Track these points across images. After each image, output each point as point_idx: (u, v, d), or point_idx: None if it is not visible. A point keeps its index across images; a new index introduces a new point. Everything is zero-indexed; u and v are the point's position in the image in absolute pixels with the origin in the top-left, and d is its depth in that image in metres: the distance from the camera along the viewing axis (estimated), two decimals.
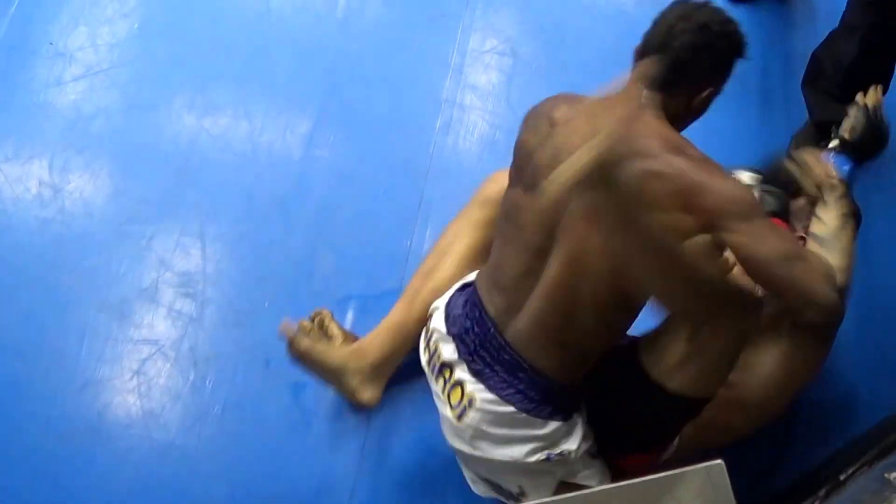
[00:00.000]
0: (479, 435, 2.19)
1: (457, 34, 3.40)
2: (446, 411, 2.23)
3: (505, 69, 3.35)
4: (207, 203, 2.98)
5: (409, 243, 2.97)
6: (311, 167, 3.08)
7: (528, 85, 3.32)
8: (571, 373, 2.17)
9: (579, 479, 2.24)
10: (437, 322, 2.29)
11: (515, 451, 2.17)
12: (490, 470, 2.30)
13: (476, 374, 2.17)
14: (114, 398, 2.64)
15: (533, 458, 2.16)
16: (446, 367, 2.23)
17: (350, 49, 3.35)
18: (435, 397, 2.30)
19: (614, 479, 2.25)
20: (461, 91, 3.29)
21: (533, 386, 2.13)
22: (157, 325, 2.75)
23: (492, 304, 2.21)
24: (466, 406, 2.18)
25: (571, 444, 2.17)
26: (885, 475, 1.40)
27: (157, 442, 2.58)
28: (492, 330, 2.17)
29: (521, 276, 2.15)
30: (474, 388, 2.17)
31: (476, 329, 2.20)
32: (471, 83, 3.31)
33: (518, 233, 2.18)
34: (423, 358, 2.34)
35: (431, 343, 2.30)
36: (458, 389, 2.20)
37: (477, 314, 2.21)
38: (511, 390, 2.14)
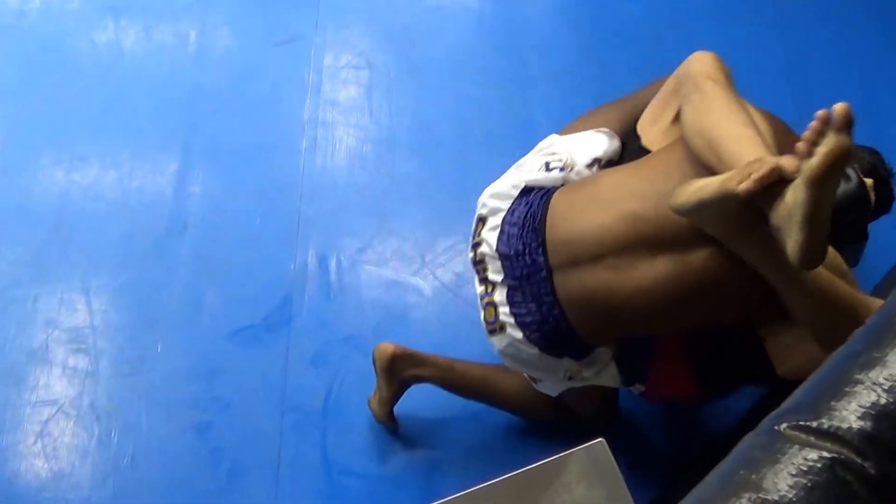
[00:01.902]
0: (505, 354, 2.33)
1: (310, 54, 3.48)
2: (481, 316, 2.34)
3: (362, 82, 3.43)
4: (86, 256, 3.04)
5: (292, 265, 3.05)
6: (184, 205, 3.15)
7: (388, 93, 3.42)
8: (604, 342, 2.28)
9: (589, 381, 2.38)
10: (489, 235, 2.30)
11: (537, 373, 2.37)
12: (513, 365, 2.42)
13: (511, 303, 2.24)
14: (21, 464, 2.69)
15: (556, 374, 2.33)
16: (489, 282, 2.30)
17: (206, 82, 3.41)
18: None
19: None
20: (322, 109, 3.37)
21: (558, 334, 2.21)
22: (54, 384, 2.81)
23: (560, 238, 2.20)
24: (497, 329, 2.29)
25: (593, 370, 2.32)
26: (775, 427, 1.44)
27: (72, 501, 2.65)
28: (542, 272, 2.20)
29: (620, 244, 2.14)
30: (506, 320, 2.25)
31: (527, 259, 2.21)
32: (331, 100, 3.39)
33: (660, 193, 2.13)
34: (469, 255, 2.39)
35: (478, 252, 2.33)
36: (493, 310, 2.29)
37: (534, 244, 2.22)
38: (538, 334, 2.22)
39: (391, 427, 2.73)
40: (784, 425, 1.39)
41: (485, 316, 2.31)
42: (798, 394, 1.47)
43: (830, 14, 3.61)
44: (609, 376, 2.37)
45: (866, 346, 1.46)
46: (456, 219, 3.13)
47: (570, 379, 2.33)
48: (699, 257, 2.08)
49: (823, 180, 1.75)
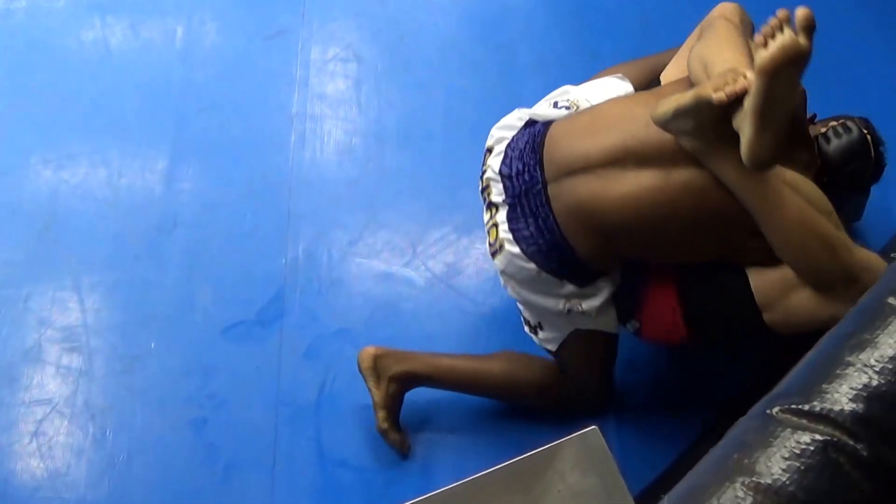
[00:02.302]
0: (507, 275, 2.39)
1: (297, 48, 3.48)
2: (486, 244, 2.43)
3: (350, 75, 3.44)
4: (77, 254, 3.04)
5: (284, 260, 3.06)
6: (174, 202, 3.15)
7: (376, 87, 3.42)
8: (598, 261, 2.32)
9: (593, 326, 2.43)
10: (494, 161, 2.42)
11: (539, 300, 2.37)
12: (517, 293, 2.46)
13: (511, 220, 2.33)
14: (16, 464, 2.69)
15: (555, 308, 2.36)
16: (493, 205, 2.39)
17: (194, 79, 3.41)
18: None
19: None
20: (310, 103, 3.37)
21: (554, 247, 2.28)
22: (48, 384, 2.81)
23: (556, 155, 2.31)
24: (498, 249, 2.37)
25: (594, 303, 2.35)
26: (767, 411, 1.45)
27: (68, 500, 2.65)
28: (538, 186, 2.29)
29: (609, 156, 2.24)
30: (505, 236, 2.33)
31: (525, 176, 2.31)
32: (318, 94, 3.39)
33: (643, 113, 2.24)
34: (479, 184, 2.49)
35: (484, 179, 2.44)
36: (494, 230, 2.37)
37: (532, 162, 2.32)
38: (534, 248, 2.29)
39: (398, 442, 2.71)
40: (776, 409, 1.40)
41: (489, 240, 2.40)
42: (790, 377, 1.48)
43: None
44: (608, 319, 2.43)
45: (857, 327, 1.47)
46: (446, 210, 3.15)
47: (569, 313, 2.36)
48: (682, 175, 2.17)
49: (774, 71, 1.85)
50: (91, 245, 3.05)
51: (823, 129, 2.43)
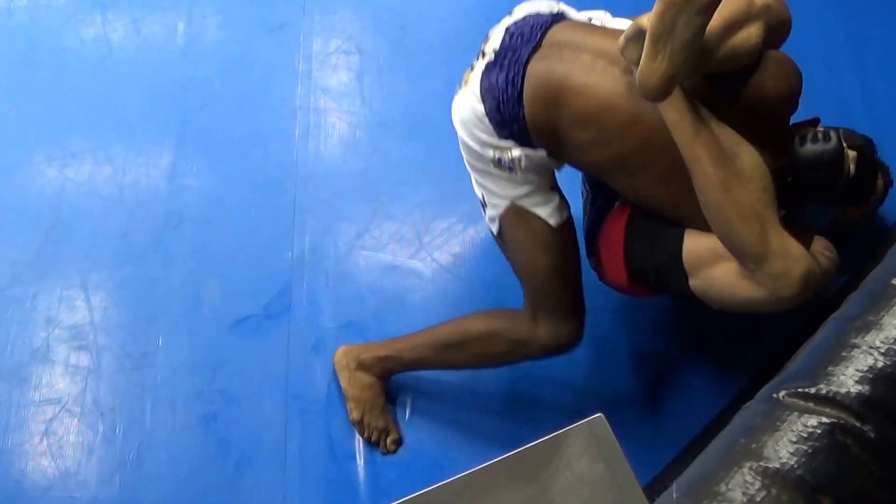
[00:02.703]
0: (456, 110, 2.45)
1: (299, 41, 3.48)
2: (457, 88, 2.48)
3: (353, 67, 3.44)
4: (84, 253, 3.05)
5: (290, 254, 3.07)
6: (179, 198, 3.16)
7: (379, 78, 3.43)
8: (541, 137, 2.34)
9: (530, 206, 2.44)
10: (509, 19, 2.46)
11: (474, 142, 2.40)
12: (466, 159, 2.52)
13: (488, 64, 2.37)
14: (28, 463, 2.71)
15: (485, 153, 2.39)
16: (483, 53, 2.42)
17: (196, 74, 3.42)
18: None
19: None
20: (314, 96, 3.37)
21: (507, 99, 2.31)
22: (57, 383, 2.83)
23: (561, 32, 2.36)
24: (463, 84, 2.43)
25: (517, 153, 2.35)
26: (774, 395, 1.46)
27: (80, 500, 2.67)
28: (529, 46, 2.34)
29: (605, 52, 2.28)
30: (473, 75, 2.39)
31: (525, 37, 2.36)
32: (322, 86, 3.40)
33: None
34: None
35: (491, 32, 2.47)
36: (469, 73, 2.43)
37: (538, 29, 2.37)
38: (490, 94, 2.33)
39: (376, 435, 2.77)
40: (783, 393, 1.41)
41: (463, 78, 2.46)
42: (796, 361, 1.49)
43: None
44: (552, 208, 2.46)
45: (862, 309, 1.48)
46: (453, 200, 3.16)
47: (498, 163, 2.38)
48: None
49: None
50: (97, 243, 3.07)
51: (804, 132, 2.43)
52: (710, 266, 2.28)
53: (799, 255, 2.12)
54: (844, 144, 2.40)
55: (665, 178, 2.27)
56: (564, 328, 2.58)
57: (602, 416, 1.79)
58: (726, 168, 2.16)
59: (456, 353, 2.71)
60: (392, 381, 2.82)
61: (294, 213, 3.14)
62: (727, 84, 2.27)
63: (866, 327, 1.45)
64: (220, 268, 3.05)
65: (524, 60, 2.31)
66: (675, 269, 2.35)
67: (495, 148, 2.36)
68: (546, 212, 2.44)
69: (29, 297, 2.95)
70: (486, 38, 2.46)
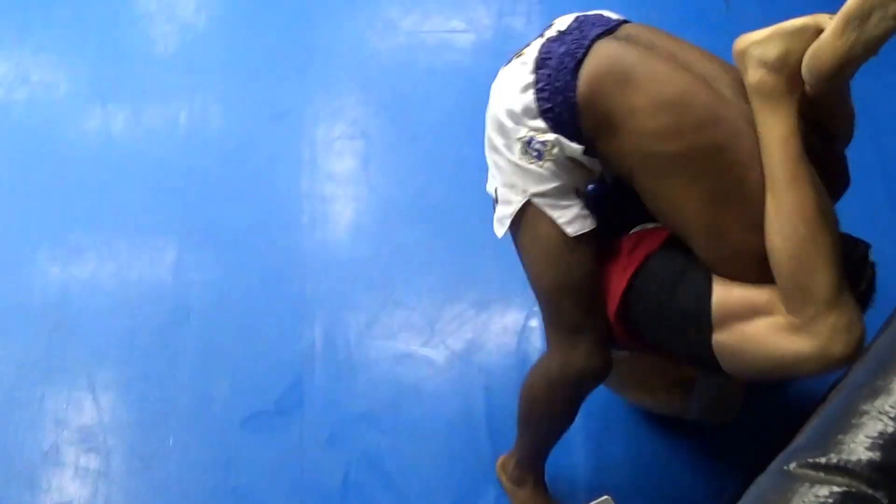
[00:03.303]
0: (499, 83, 2.36)
1: (303, 127, 3.65)
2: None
3: (358, 152, 3.60)
4: (90, 351, 3.20)
5: (300, 346, 3.20)
6: (185, 293, 3.31)
7: (384, 162, 3.59)
8: (590, 130, 2.25)
9: (547, 207, 2.31)
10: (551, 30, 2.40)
11: (507, 118, 2.29)
12: (490, 142, 2.39)
13: (548, 39, 2.29)
14: None
15: (517, 131, 2.28)
16: (542, 35, 2.36)
17: (199, 164, 3.59)
18: None
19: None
20: (319, 183, 3.53)
21: (560, 77, 2.22)
22: (67, 486, 2.96)
23: (628, 29, 2.32)
24: (514, 58, 2.35)
25: (551, 136, 2.24)
26: (784, 468, 1.50)
27: None
28: (595, 31, 2.27)
29: (673, 53, 2.25)
30: (527, 51, 2.32)
31: (591, 23, 2.30)
32: (327, 173, 3.56)
33: None
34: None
35: (555, 20, 2.41)
36: (525, 48, 2.35)
37: (604, 21, 2.33)
38: (545, 63, 2.24)
39: None
40: (793, 464, 1.49)
41: (514, 55, 2.38)
42: (805, 431, 1.57)
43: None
44: (571, 214, 2.31)
45: (870, 375, 1.55)
46: (463, 285, 3.30)
47: (529, 144, 2.27)
48: (729, 106, 2.17)
49: None
50: (104, 341, 3.21)
51: None
52: (746, 319, 2.14)
53: (860, 313, 2.08)
54: (870, 260, 2.30)
55: (722, 198, 2.16)
56: (577, 353, 2.41)
57: (609, 498, 1.87)
58: (825, 199, 2.07)
59: (535, 423, 2.68)
60: None
61: (303, 304, 3.28)
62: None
63: (875, 393, 1.49)
64: (229, 363, 3.18)
65: (591, 37, 2.26)
66: (697, 320, 2.19)
67: (529, 127, 2.26)
68: (564, 217, 2.31)
69: (36, 399, 3.09)
70: (548, 26, 2.41)
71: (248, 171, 3.57)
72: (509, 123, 2.29)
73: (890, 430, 1.44)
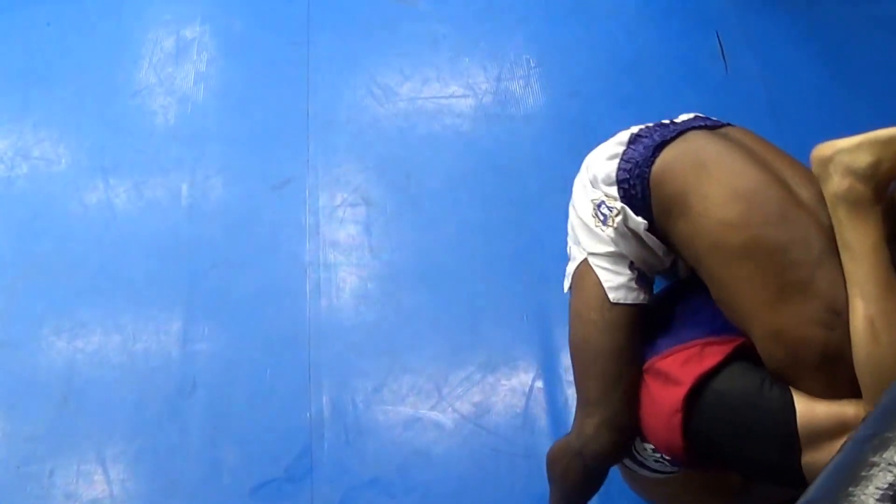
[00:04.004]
0: (591, 156, 2.47)
1: (305, 196, 3.70)
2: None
3: (360, 219, 3.65)
4: (98, 425, 3.23)
5: (308, 413, 3.24)
6: (191, 363, 3.35)
7: (386, 229, 3.64)
8: (658, 212, 2.32)
9: (598, 265, 2.36)
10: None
11: (589, 182, 2.40)
12: (574, 205, 2.47)
13: (654, 125, 2.42)
14: None
15: (593, 194, 2.38)
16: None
17: (202, 235, 3.64)
18: None
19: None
20: (322, 251, 3.58)
21: (641, 153, 2.33)
22: None
23: (733, 129, 2.42)
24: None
25: (619, 205, 2.33)
26: None
27: None
28: (671, 131, 2.37)
29: (747, 151, 2.30)
30: (617, 139, 2.42)
31: (686, 123, 2.42)
32: (330, 241, 3.61)
33: None
34: None
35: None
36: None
37: (707, 122, 2.44)
38: (636, 141, 2.36)
39: None
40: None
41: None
42: (815, 485, 1.60)
43: (808, 39, 3.83)
44: (620, 281, 2.35)
45: (878, 428, 1.57)
46: (469, 349, 3.34)
47: (598, 208, 2.35)
48: (799, 200, 2.21)
49: None
50: (111, 414, 3.25)
51: None
52: (837, 437, 2.04)
53: None
54: None
55: (786, 293, 2.14)
56: (587, 425, 2.40)
57: None
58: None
59: (555, 484, 2.65)
60: None
61: (309, 371, 3.32)
62: None
63: (884, 444, 1.49)
64: (237, 432, 3.22)
65: (688, 126, 2.38)
66: (781, 441, 2.13)
67: (604, 192, 2.36)
68: (611, 282, 2.34)
69: (46, 474, 3.12)
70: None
71: (251, 241, 3.62)
72: (590, 186, 2.39)
73: None
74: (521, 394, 3.20)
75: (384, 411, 3.23)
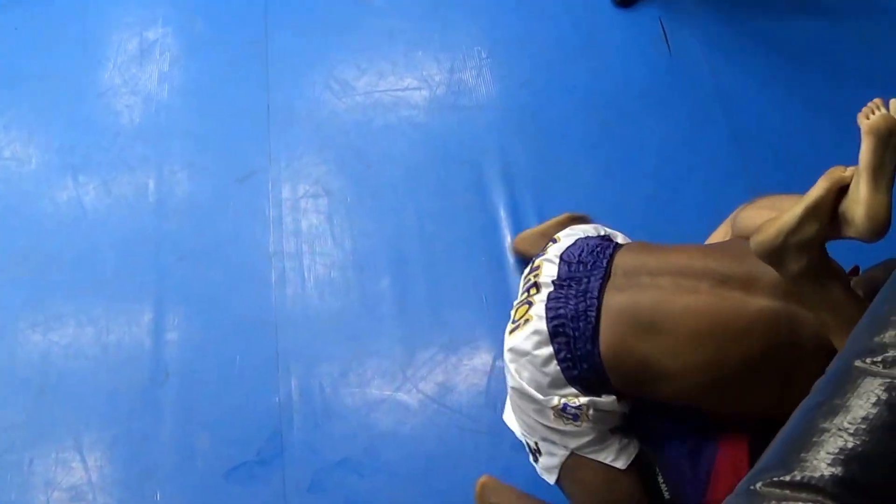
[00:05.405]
0: (513, 354, 2.39)
1: (268, 188, 3.72)
2: (509, 323, 2.44)
3: (322, 209, 3.67)
4: (74, 414, 3.25)
5: (277, 398, 3.27)
6: (163, 352, 3.38)
7: (348, 218, 3.66)
8: (619, 381, 2.29)
9: (592, 454, 2.36)
10: (558, 247, 2.47)
11: (534, 389, 2.34)
12: (518, 406, 2.45)
13: (551, 299, 2.34)
14: None
15: (548, 401, 2.33)
16: (536, 286, 2.41)
17: (170, 229, 3.65)
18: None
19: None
20: (286, 241, 3.60)
21: (581, 338, 2.27)
22: None
23: (630, 256, 2.37)
24: (521, 324, 2.38)
25: (584, 400, 2.30)
26: (751, 487, 1.53)
27: None
28: (599, 274, 2.32)
29: (687, 268, 2.28)
30: (536, 312, 2.35)
31: (587, 266, 2.36)
32: (293, 231, 3.63)
33: (733, 251, 2.32)
34: (525, 270, 2.53)
35: (538, 260, 2.47)
36: (525, 308, 2.39)
37: (601, 256, 2.37)
38: (562, 331, 2.29)
39: None
40: (759, 484, 1.54)
41: (514, 317, 2.42)
42: (769, 452, 1.63)
43: (769, 80, 3.88)
44: (614, 452, 2.37)
45: (828, 394, 1.61)
46: (431, 331, 3.37)
47: (563, 411, 2.31)
48: (763, 302, 2.20)
49: (884, 129, 2.05)
50: (87, 403, 3.27)
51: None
52: None
53: None
54: None
55: (792, 379, 2.13)
56: None
57: None
58: None
59: None
60: None
61: (277, 357, 3.34)
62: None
63: (834, 410, 1.53)
64: (209, 418, 3.24)
65: (596, 292, 2.31)
66: None
67: (560, 395, 2.32)
68: (609, 456, 2.36)
69: (26, 462, 3.14)
70: (531, 268, 2.48)
71: (217, 233, 3.64)
72: (538, 395, 2.34)
73: (850, 445, 1.49)
74: (483, 373, 3.23)
75: (351, 394, 3.26)
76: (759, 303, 2.20)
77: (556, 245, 2.50)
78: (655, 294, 2.26)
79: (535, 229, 3.28)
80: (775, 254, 2.13)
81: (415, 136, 3.87)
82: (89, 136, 3.88)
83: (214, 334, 3.41)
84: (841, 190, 2.10)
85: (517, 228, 3.43)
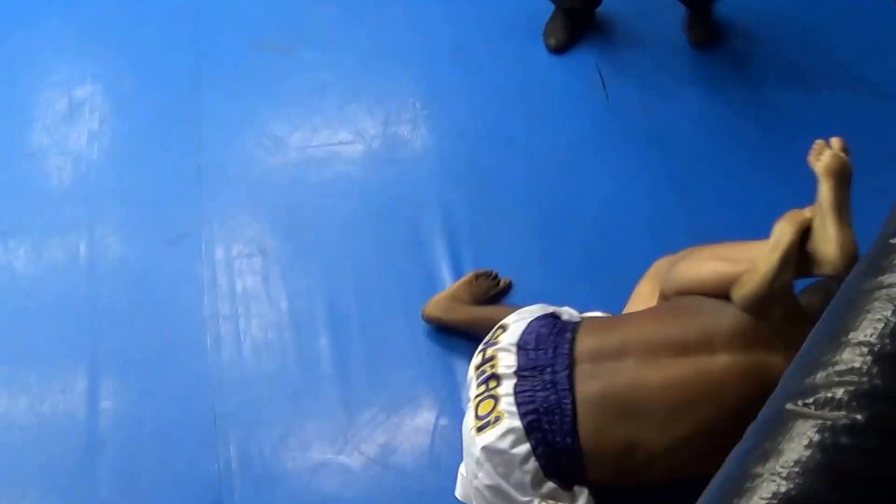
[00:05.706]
0: (487, 453, 2.36)
1: (201, 250, 3.66)
2: (469, 419, 2.40)
3: (257, 270, 3.62)
4: (10, 487, 3.17)
5: (217, 465, 3.19)
6: (98, 422, 3.29)
7: (284, 277, 3.61)
8: (598, 468, 2.30)
9: None
10: (509, 334, 2.46)
11: (513, 488, 2.32)
12: (488, 480, 2.41)
13: (519, 393, 2.32)
14: None
15: (523, 500, 2.33)
16: (495, 377, 2.39)
17: (102, 293, 3.58)
18: (466, 402, 2.46)
19: None
20: (221, 303, 3.54)
21: (560, 431, 2.27)
22: None
23: (590, 339, 2.36)
24: (491, 422, 2.35)
25: (553, 487, 2.31)
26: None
27: None
28: (565, 361, 2.32)
29: (650, 343, 2.30)
30: (506, 409, 2.33)
31: (549, 353, 2.35)
32: (228, 293, 3.57)
33: (683, 312, 2.35)
34: (475, 360, 2.50)
35: (490, 350, 2.45)
36: (491, 403, 2.36)
37: (562, 341, 2.36)
38: (538, 427, 2.29)
39: None
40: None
41: (477, 412, 2.40)
42: (703, 499, 1.62)
43: (705, 123, 3.88)
44: None
45: (760, 439, 1.59)
46: (371, 390, 3.31)
47: None
48: (726, 359, 2.25)
49: (837, 169, 2.15)
50: (22, 476, 3.18)
51: None
52: None
53: None
54: None
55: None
56: None
57: None
58: None
59: None
60: None
61: (215, 423, 3.28)
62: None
63: (766, 455, 1.52)
64: (147, 487, 3.16)
65: (566, 382, 2.30)
66: None
67: (542, 495, 2.32)
68: None
69: None
70: (483, 359, 2.47)
71: (150, 297, 3.57)
72: (518, 496, 2.33)
73: (783, 489, 1.46)
74: (427, 432, 3.18)
75: (292, 458, 3.20)
76: (723, 360, 2.25)
77: (507, 333, 2.49)
78: (628, 377, 2.28)
79: (444, 293, 3.28)
80: (762, 304, 2.20)
81: (350, 191, 3.83)
82: (18, 200, 3.81)
83: (150, 400, 3.33)
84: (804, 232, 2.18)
85: (455, 281, 3.39)
